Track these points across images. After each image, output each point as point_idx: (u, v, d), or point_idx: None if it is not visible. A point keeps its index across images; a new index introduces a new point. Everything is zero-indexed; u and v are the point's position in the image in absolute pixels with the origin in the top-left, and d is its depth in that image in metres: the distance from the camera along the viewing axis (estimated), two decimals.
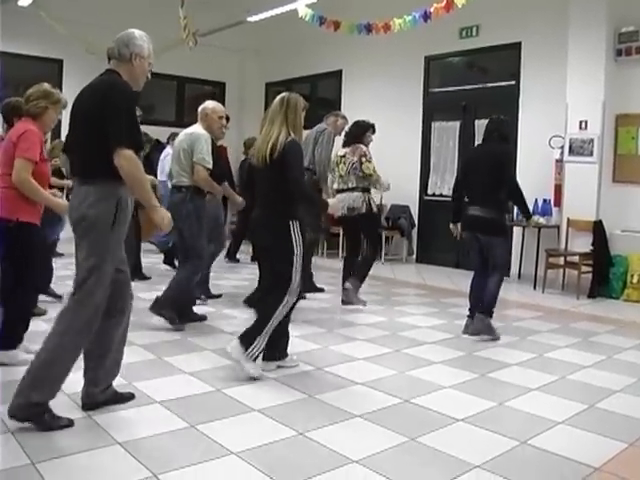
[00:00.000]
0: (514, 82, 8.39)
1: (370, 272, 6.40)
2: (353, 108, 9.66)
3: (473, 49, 8.85)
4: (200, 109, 5.43)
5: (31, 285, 4.08)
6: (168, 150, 7.19)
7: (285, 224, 3.88)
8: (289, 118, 3.93)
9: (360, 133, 6.36)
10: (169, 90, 12.12)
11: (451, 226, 5.55)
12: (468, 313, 5.32)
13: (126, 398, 3.41)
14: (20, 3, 8.88)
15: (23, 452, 2.73)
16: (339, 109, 10.92)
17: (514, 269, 8.07)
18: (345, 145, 6.38)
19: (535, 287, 7.48)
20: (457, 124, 9.14)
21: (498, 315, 5.51)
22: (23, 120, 3.99)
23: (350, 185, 6.18)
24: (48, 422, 2.97)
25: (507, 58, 8.56)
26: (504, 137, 5.31)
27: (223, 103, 12.28)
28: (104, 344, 3.23)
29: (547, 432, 3.21)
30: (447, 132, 9.30)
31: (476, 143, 8.62)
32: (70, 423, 3.03)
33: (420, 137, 9.62)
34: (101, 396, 3.28)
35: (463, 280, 7.90)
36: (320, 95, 11.83)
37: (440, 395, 3.75)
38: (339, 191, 6.27)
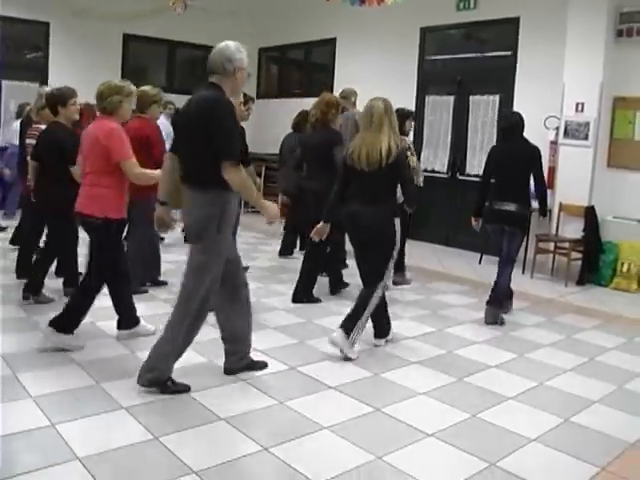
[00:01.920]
0: (510, 53, 8.14)
1: None
2: (347, 77, 9.45)
3: (470, 22, 8.56)
4: None
5: (125, 270, 4.29)
6: (162, 120, 6.77)
7: (391, 220, 4.30)
8: (392, 123, 4.36)
9: (400, 123, 6.13)
10: (160, 54, 11.81)
11: (473, 221, 5.66)
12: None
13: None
14: None
15: None
16: (333, 77, 10.70)
17: None
18: None
19: (524, 271, 7.35)
20: (451, 99, 8.90)
21: (482, 306, 5.45)
22: (101, 118, 4.07)
23: None
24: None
25: (505, 33, 8.27)
26: (522, 132, 5.51)
27: None
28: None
29: (518, 451, 3.12)
30: (441, 106, 9.05)
31: (470, 119, 8.57)
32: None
33: (413, 110, 9.35)
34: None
35: (451, 260, 7.82)
36: (314, 62, 11.57)
37: (412, 403, 3.65)
38: None
